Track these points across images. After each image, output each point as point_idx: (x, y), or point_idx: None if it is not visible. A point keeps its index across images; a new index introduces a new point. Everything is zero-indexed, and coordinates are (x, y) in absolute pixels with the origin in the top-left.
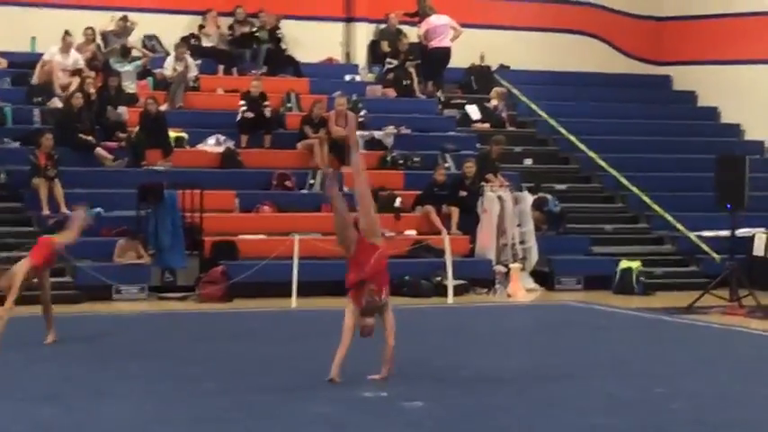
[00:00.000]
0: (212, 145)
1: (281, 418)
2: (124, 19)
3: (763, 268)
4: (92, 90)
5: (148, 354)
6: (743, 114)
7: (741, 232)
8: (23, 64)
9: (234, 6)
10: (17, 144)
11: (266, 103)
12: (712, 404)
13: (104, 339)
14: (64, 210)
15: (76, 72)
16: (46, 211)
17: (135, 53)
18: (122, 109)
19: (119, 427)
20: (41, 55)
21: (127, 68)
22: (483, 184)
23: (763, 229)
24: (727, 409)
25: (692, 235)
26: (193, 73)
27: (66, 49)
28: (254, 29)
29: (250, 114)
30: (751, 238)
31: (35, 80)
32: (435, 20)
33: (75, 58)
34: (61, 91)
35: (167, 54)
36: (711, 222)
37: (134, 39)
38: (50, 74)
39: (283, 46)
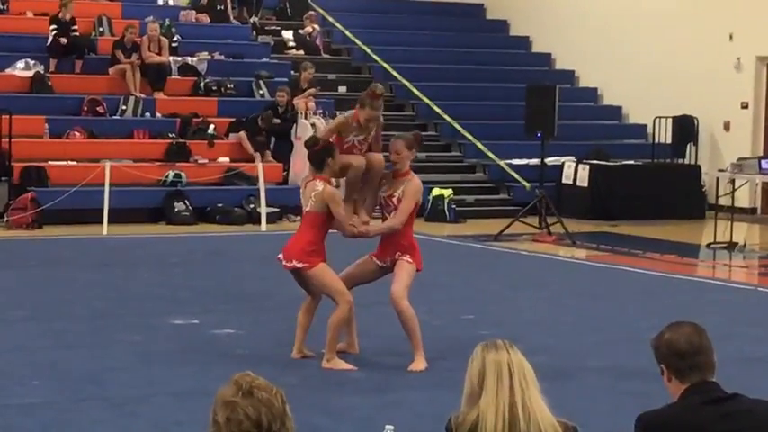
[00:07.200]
0: (21, 69)
1: (89, 346)
2: None
3: (572, 196)
4: None
5: None
6: (554, 44)
7: (550, 161)
8: None
9: None
10: None
11: (74, 27)
12: (520, 330)
13: None
14: None
15: None
16: None
17: None
18: None
19: None
20: None
21: None
22: (297, 111)
23: (572, 158)
24: (534, 335)
25: (503, 163)
26: None
27: None
28: None
29: (63, 40)
30: (560, 167)
31: None
32: None
33: None
34: None
35: None
36: (522, 150)
37: None
38: None
39: None
